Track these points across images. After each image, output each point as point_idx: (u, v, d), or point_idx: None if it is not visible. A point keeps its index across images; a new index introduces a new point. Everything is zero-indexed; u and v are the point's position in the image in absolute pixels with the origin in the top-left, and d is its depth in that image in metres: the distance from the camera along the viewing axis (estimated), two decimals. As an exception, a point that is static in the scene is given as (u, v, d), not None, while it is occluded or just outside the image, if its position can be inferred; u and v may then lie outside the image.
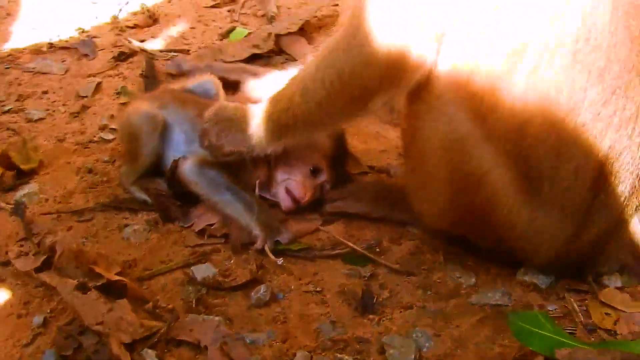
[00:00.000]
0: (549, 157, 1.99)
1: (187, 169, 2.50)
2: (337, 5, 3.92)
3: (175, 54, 3.50)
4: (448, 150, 2.08)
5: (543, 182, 2.02)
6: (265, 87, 2.89)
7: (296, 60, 3.49)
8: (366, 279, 2.28)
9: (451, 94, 2.02)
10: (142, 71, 3.33)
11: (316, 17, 3.86)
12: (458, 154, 2.07)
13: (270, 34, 3.65)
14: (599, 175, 1.99)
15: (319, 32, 3.80)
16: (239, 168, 2.51)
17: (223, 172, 2.49)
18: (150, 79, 3.26)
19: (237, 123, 2.39)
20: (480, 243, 2.25)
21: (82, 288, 2.11)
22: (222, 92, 2.86)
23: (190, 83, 2.86)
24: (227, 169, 2.50)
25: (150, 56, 3.45)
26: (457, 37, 1.98)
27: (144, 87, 3.23)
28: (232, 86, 3.04)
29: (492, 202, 2.08)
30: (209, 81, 2.86)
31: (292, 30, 3.70)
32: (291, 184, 2.51)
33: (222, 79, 2.96)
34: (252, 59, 3.50)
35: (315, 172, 2.52)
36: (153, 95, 2.82)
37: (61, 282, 2.15)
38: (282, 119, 2.27)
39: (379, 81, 2.09)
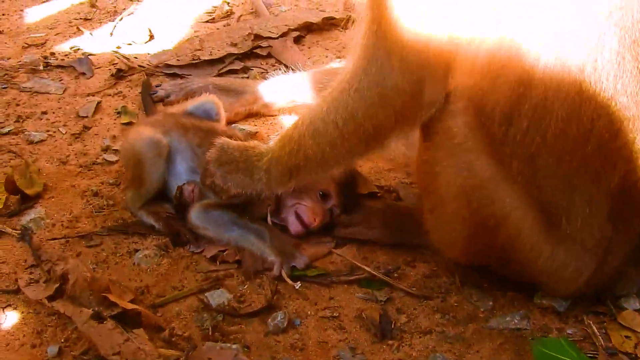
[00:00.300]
0: (561, 189, 1.98)
1: (193, 216, 2.46)
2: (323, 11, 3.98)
3: (172, 70, 3.46)
4: (469, 195, 2.07)
5: (560, 217, 2.01)
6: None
7: (279, 63, 3.52)
8: (383, 303, 2.27)
9: (471, 141, 2.02)
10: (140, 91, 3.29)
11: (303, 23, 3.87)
12: (479, 198, 2.05)
13: (250, 33, 3.64)
14: (615, 205, 1.98)
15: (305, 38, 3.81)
16: (247, 199, 2.49)
17: (229, 208, 2.46)
18: (147, 100, 3.21)
19: (242, 166, 2.35)
20: (501, 274, 2.25)
21: (98, 318, 2.08)
22: (223, 112, 2.83)
23: (190, 104, 2.82)
24: (233, 204, 2.47)
25: (149, 73, 3.42)
26: (466, 71, 1.98)
27: (143, 108, 3.19)
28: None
29: (513, 240, 2.06)
30: (209, 102, 2.82)
31: (273, 35, 3.70)
32: (301, 209, 2.48)
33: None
34: (228, 58, 3.56)
35: (324, 196, 2.50)
36: (155, 120, 2.78)
37: (76, 311, 2.11)
38: (292, 161, 2.25)
39: (394, 119, 2.09)
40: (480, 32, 1.90)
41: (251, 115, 3.21)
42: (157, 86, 3.25)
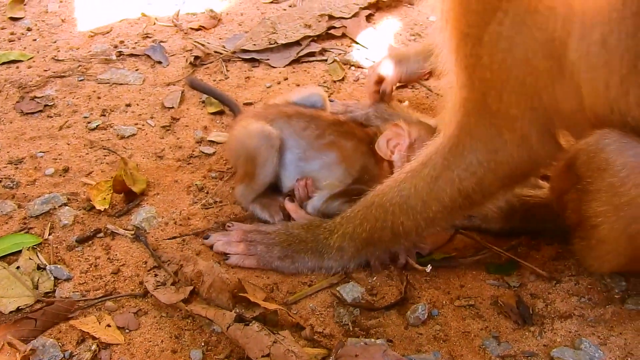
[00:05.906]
0: None
1: (310, 208, 2.45)
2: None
3: (250, 55, 3.42)
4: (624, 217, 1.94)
5: None
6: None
7: (355, 43, 3.48)
8: (516, 289, 2.26)
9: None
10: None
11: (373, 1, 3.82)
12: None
13: (322, 14, 3.60)
14: None
15: (374, 16, 3.75)
16: (361, 191, 2.46)
17: (345, 199, 2.44)
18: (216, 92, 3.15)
19: (311, 245, 2.34)
20: None
21: (241, 320, 2.07)
22: (328, 102, 2.77)
23: (295, 96, 2.75)
24: (349, 194, 2.45)
25: (226, 59, 3.38)
26: None
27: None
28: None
29: None
30: (315, 94, 2.76)
31: (346, 15, 3.66)
32: None
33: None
34: (304, 40, 3.52)
35: None
36: (257, 112, 2.73)
37: (218, 314, 2.09)
38: (372, 237, 2.24)
39: (510, 183, 2.10)
40: None
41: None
42: None
